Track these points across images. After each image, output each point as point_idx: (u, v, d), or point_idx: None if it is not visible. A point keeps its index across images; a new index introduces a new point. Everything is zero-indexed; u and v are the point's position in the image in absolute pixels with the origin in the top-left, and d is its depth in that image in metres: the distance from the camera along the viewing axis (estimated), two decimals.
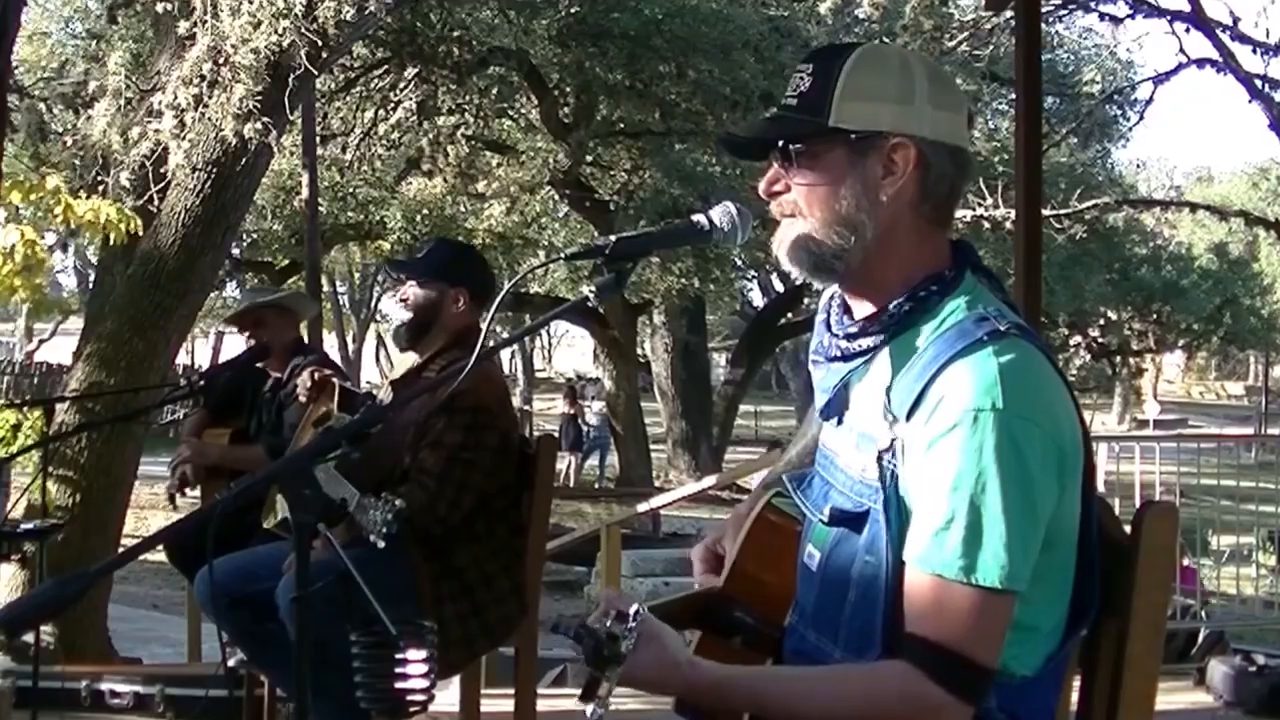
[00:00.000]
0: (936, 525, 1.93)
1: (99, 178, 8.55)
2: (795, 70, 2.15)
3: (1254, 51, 13.42)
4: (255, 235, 21.74)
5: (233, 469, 5.22)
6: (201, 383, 5.51)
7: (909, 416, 1.99)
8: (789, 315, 26.38)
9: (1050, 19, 18.12)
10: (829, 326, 2.20)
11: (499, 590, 4.17)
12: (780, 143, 2.10)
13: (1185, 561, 9.54)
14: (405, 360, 4.45)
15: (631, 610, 1.89)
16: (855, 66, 2.07)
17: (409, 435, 4.13)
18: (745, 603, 2.31)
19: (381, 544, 3.59)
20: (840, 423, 2.17)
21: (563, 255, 2.33)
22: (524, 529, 4.32)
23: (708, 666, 2.00)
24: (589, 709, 1.89)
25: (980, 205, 16.58)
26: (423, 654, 3.43)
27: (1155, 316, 23.22)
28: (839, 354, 2.15)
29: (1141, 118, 19.70)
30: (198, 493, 5.45)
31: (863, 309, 2.14)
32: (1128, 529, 2.16)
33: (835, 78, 2.07)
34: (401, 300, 4.34)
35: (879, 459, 2.03)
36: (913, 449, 1.98)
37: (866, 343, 2.10)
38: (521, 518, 4.32)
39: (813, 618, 2.16)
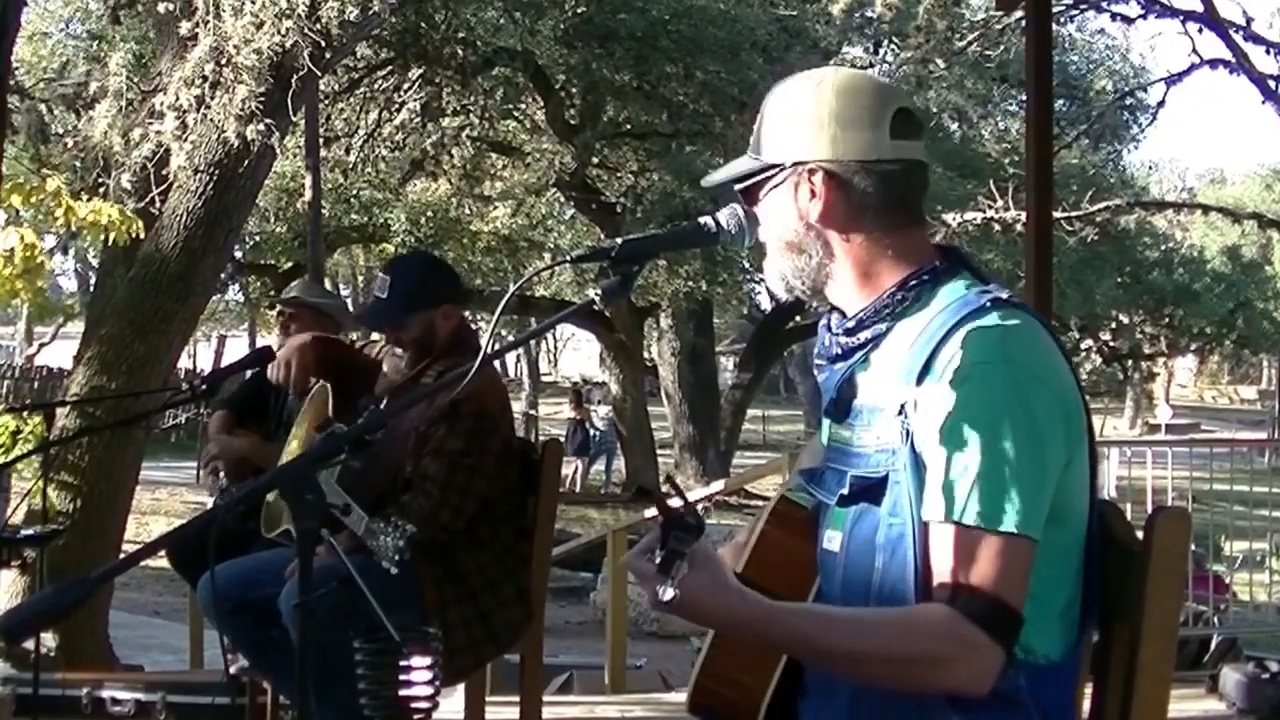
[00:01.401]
0: (951, 476, 1.99)
1: (100, 179, 8.54)
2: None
3: (1267, 52, 13.46)
4: (258, 238, 21.74)
5: (258, 467, 5.13)
6: (203, 387, 5.41)
7: (919, 381, 2.04)
8: (797, 319, 26.25)
9: (1062, 20, 18.07)
10: (829, 329, 2.27)
11: (504, 596, 4.14)
12: (733, 187, 2.27)
13: (1208, 567, 9.45)
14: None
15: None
16: (773, 102, 2.23)
17: (410, 443, 4.09)
18: (765, 586, 2.27)
19: (394, 570, 3.53)
20: (847, 417, 2.21)
21: (569, 258, 2.32)
22: (529, 534, 4.29)
23: (757, 598, 2.01)
24: (663, 589, 1.91)
25: (991, 208, 16.55)
26: (427, 661, 3.41)
27: (1167, 320, 23.09)
28: (840, 351, 2.22)
29: (1154, 119, 19.70)
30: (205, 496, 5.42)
31: (855, 309, 2.21)
32: (1139, 534, 2.16)
33: (762, 118, 2.23)
34: (397, 355, 4.26)
35: (895, 423, 2.08)
36: (925, 408, 2.03)
37: (866, 334, 2.17)
38: (526, 522, 4.29)
39: (841, 599, 2.18)
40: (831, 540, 2.21)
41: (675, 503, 1.95)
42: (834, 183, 2.15)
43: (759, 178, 2.22)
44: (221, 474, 5.13)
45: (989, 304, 2.06)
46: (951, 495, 1.98)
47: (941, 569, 1.99)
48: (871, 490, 2.12)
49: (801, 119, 2.17)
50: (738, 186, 2.25)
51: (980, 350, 2.00)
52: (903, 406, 2.06)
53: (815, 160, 2.15)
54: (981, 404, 1.98)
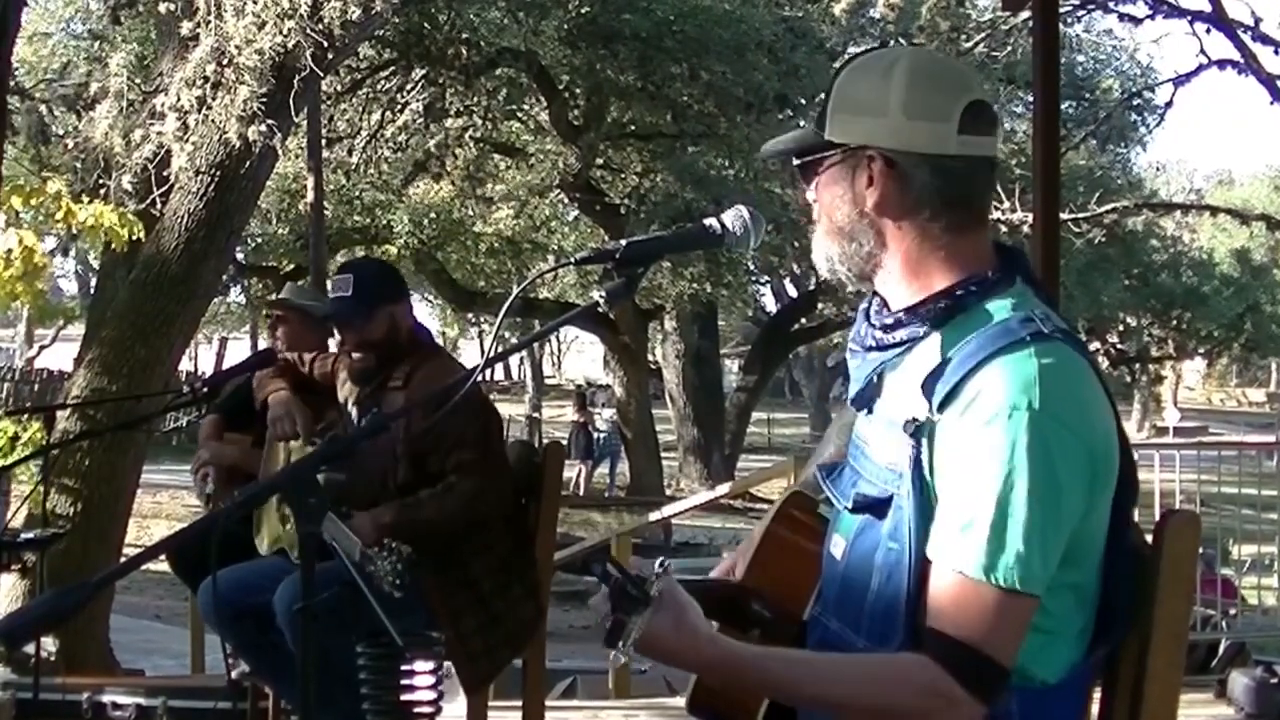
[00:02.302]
0: (961, 521, 1.94)
1: (101, 181, 8.54)
2: None
3: (1276, 53, 13.43)
4: (260, 240, 21.68)
5: (250, 476, 5.07)
6: (205, 389, 5.38)
7: (942, 407, 1.99)
8: (803, 321, 26.30)
9: (1069, 20, 18.01)
10: (868, 317, 2.21)
11: (514, 596, 4.17)
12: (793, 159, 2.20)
13: (1217, 570, 9.39)
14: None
15: (659, 560, 1.89)
16: (845, 79, 2.14)
17: (400, 448, 4.10)
18: (764, 596, 2.30)
19: (397, 594, 3.56)
20: (871, 412, 2.18)
21: (572, 260, 2.29)
22: (530, 532, 4.31)
23: (728, 643, 1.99)
24: (612, 654, 1.88)
25: (998, 209, 16.50)
26: (430, 666, 3.39)
27: (1175, 323, 23.11)
28: (874, 344, 2.16)
29: (1161, 120, 19.67)
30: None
31: (898, 305, 2.14)
32: (1148, 538, 2.13)
33: (830, 90, 2.14)
34: (355, 359, 4.31)
35: (905, 444, 2.03)
36: (943, 440, 1.99)
37: (902, 334, 2.11)
38: (528, 522, 4.31)
39: (836, 607, 2.16)
40: (836, 545, 2.18)
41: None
42: (893, 173, 2.07)
43: (818, 155, 2.14)
44: (211, 480, 5.11)
45: (1028, 337, 1.98)
46: (958, 542, 1.95)
47: (935, 613, 1.96)
48: (875, 507, 2.09)
49: (869, 101, 2.10)
50: (796, 161, 2.18)
51: (1009, 393, 1.94)
52: (917, 429, 2.01)
53: (877, 147, 2.08)
54: (1002, 452, 1.92)
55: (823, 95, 2.18)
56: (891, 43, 19.41)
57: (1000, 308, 2.04)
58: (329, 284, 4.46)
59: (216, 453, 5.18)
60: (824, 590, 2.23)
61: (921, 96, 2.09)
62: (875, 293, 2.21)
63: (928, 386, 2.02)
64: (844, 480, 2.22)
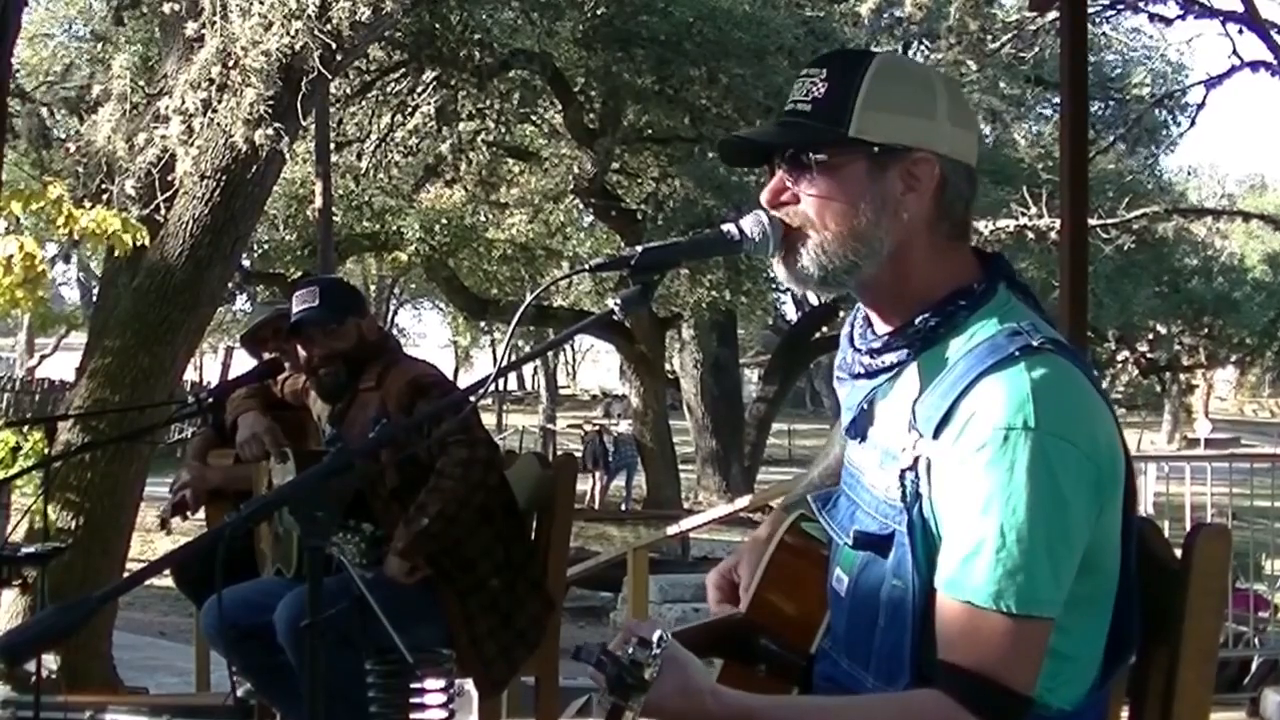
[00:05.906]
0: (966, 550, 1.92)
1: (103, 186, 8.53)
2: (803, 74, 2.10)
3: None
4: (266, 246, 21.62)
5: (238, 492, 5.11)
6: (210, 400, 5.32)
7: (936, 434, 1.97)
8: (824, 330, 26.16)
9: (1097, 20, 17.94)
10: (853, 342, 2.19)
11: (520, 593, 4.21)
12: (790, 151, 2.07)
13: (1249, 586, 9.28)
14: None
15: (655, 636, 1.84)
16: (878, 75, 2.05)
17: (386, 454, 4.14)
18: (769, 629, 2.31)
19: (369, 574, 3.61)
20: (864, 440, 2.16)
21: (588, 266, 2.26)
22: (523, 522, 4.37)
23: (732, 696, 1.96)
24: None
25: (1024, 215, 16.48)
26: (440, 683, 3.33)
27: (1206, 330, 23.04)
28: (862, 370, 2.14)
29: (1193, 123, 19.54)
30: (200, 516, 5.39)
31: (884, 325, 2.12)
32: (1178, 552, 2.12)
33: (856, 85, 2.03)
34: (328, 371, 4.32)
35: (902, 477, 2.02)
36: (941, 468, 1.97)
37: (891, 358, 2.09)
38: (519, 514, 4.35)
39: (845, 643, 2.16)
40: (840, 581, 2.17)
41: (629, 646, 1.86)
42: (939, 178, 2.03)
43: (844, 151, 2.03)
44: (180, 514, 5.17)
45: (1016, 352, 1.94)
46: (964, 571, 1.92)
47: (947, 646, 1.94)
48: (878, 544, 2.07)
49: (917, 104, 2.04)
50: (816, 155, 2.03)
51: (1003, 413, 1.90)
52: (915, 462, 1.99)
53: (931, 150, 2.03)
54: (1002, 475, 1.89)
55: (820, 88, 2.05)
56: (915, 44, 19.37)
57: (986, 323, 2.02)
58: (293, 299, 4.43)
59: (200, 474, 5.23)
60: (833, 626, 2.22)
61: (960, 107, 2.10)
62: (856, 316, 2.19)
63: (918, 414, 1.99)
64: (840, 511, 2.20)
